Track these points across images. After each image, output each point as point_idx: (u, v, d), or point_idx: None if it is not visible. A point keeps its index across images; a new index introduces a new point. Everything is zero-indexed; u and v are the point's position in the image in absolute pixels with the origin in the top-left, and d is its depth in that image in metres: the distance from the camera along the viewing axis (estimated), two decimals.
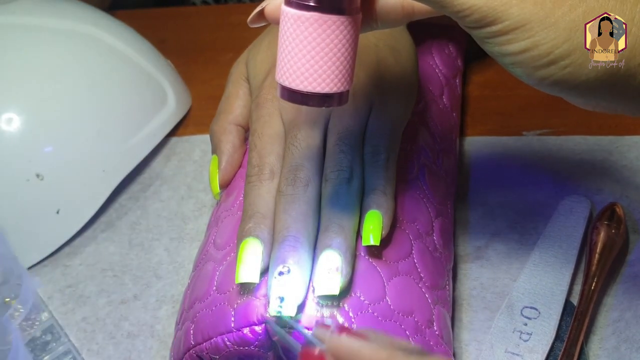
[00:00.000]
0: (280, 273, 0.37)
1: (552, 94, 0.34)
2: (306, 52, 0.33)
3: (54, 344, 0.48)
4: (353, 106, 0.42)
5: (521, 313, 0.44)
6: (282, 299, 0.36)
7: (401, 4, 0.35)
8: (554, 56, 0.32)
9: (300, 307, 0.37)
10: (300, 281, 0.37)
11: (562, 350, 0.42)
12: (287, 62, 0.33)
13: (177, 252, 0.53)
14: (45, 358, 0.47)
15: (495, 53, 0.33)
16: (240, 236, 0.39)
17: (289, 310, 0.36)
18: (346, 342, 0.30)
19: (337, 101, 0.34)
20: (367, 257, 0.40)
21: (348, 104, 0.42)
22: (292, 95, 0.34)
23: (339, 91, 0.34)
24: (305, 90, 0.33)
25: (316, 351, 0.31)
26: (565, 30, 0.32)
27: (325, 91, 0.34)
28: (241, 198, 0.43)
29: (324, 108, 0.42)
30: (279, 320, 0.37)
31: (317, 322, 0.37)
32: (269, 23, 0.36)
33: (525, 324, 0.44)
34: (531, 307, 0.44)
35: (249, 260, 0.38)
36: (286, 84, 0.34)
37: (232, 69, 0.49)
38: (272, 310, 0.36)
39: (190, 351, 0.39)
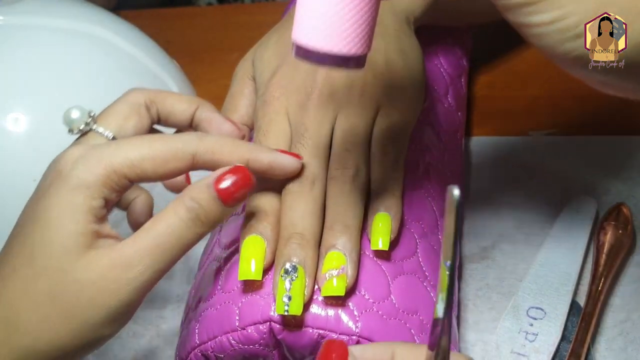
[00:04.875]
0: (287, 271, 0.37)
1: (572, 72, 0.34)
2: (327, 9, 0.32)
3: None
4: (360, 106, 0.42)
5: (527, 313, 0.44)
6: (289, 298, 0.36)
7: None
8: (581, 29, 0.31)
9: (306, 306, 0.37)
10: (306, 280, 0.37)
11: (569, 351, 0.42)
12: (306, 19, 0.32)
13: None
14: None
15: (522, 23, 0.32)
16: (243, 234, 0.39)
17: (295, 310, 0.36)
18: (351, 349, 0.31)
19: (354, 63, 0.33)
20: (371, 256, 0.40)
21: (355, 104, 0.42)
22: (308, 55, 0.33)
23: (357, 54, 0.33)
24: (322, 49, 0.32)
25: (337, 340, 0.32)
26: (595, 4, 0.31)
27: (344, 52, 0.32)
28: None
29: (331, 110, 0.42)
30: (285, 318, 0.37)
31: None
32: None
33: (531, 325, 0.43)
34: (537, 308, 0.44)
35: (252, 258, 0.38)
36: (303, 42, 0.32)
37: (238, 67, 0.49)
38: (279, 309, 0.36)
39: (196, 350, 0.39)
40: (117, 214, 0.56)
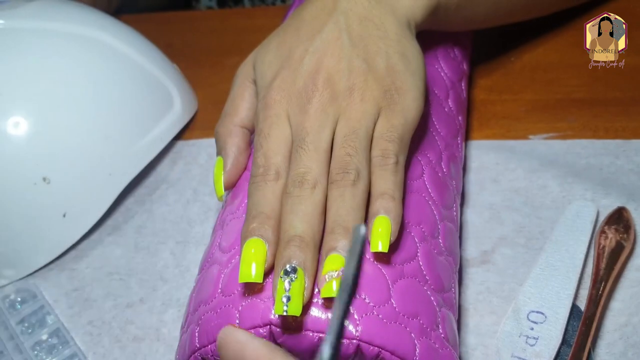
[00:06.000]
0: (286, 272, 0.37)
1: None
2: None
3: (60, 347, 0.48)
4: (361, 110, 0.42)
5: (528, 317, 0.44)
6: (288, 299, 0.36)
7: None
8: None
9: (306, 310, 0.37)
10: (306, 281, 0.37)
11: (570, 355, 0.42)
12: None
13: (182, 256, 0.53)
14: None
15: None
16: (243, 236, 0.39)
17: (294, 310, 0.36)
18: (236, 333, 0.32)
19: None
20: (372, 260, 0.40)
21: (356, 108, 0.42)
22: None
23: None
24: None
25: None
26: None
27: None
28: (247, 200, 0.44)
29: (331, 114, 0.42)
30: (285, 321, 0.37)
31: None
32: None
33: (532, 329, 0.43)
34: (538, 312, 0.44)
35: (253, 260, 0.38)
36: None
37: (238, 70, 0.49)
38: (278, 310, 0.36)
39: (195, 353, 0.39)
40: (117, 216, 0.56)
